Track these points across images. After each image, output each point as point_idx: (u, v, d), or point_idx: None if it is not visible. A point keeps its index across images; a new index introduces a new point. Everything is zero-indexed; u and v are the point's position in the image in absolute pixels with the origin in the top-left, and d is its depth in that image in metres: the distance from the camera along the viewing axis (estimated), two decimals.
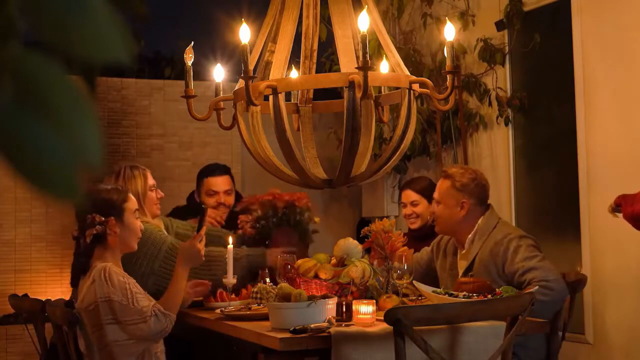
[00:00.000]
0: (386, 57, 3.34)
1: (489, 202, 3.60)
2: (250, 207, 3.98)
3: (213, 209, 4.23)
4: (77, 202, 0.59)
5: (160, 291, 3.13)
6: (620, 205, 3.35)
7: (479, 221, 3.47)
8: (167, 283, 3.09)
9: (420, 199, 4.31)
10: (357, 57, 2.97)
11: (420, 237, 4.22)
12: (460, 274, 3.46)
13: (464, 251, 3.53)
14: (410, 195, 4.34)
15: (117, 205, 2.94)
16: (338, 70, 3.25)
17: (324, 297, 2.86)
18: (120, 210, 2.94)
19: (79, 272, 2.92)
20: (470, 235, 3.48)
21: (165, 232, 3.62)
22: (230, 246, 3.47)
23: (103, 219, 2.88)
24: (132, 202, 3.00)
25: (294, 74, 3.46)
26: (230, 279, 3.40)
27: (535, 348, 3.33)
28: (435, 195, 3.59)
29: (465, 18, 5.29)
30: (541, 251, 3.37)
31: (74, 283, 2.96)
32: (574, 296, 3.39)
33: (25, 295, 3.66)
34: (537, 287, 3.11)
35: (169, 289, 3.01)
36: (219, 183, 4.38)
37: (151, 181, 3.64)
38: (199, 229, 3.16)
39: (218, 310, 3.23)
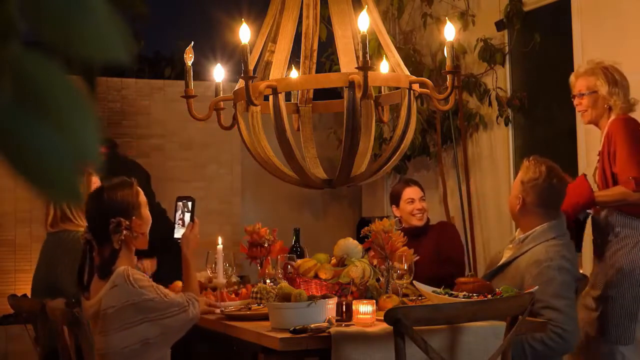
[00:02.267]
0: (386, 57, 3.34)
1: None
2: None
3: None
4: (79, 202, 0.59)
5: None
6: None
7: (539, 227, 3.33)
8: None
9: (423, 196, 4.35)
10: (357, 57, 2.97)
11: (415, 234, 4.22)
12: (501, 262, 3.41)
13: (510, 245, 3.46)
14: (419, 191, 4.35)
15: (134, 203, 2.89)
16: (338, 70, 3.26)
17: (324, 297, 2.85)
18: (137, 206, 2.90)
19: (95, 275, 2.88)
20: (522, 235, 3.38)
21: None
22: (220, 246, 3.49)
23: (128, 222, 2.84)
24: (142, 193, 2.98)
25: (294, 74, 3.46)
26: (220, 279, 3.42)
27: None
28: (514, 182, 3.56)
29: (465, 18, 5.29)
30: (575, 291, 3.25)
31: (86, 286, 2.91)
32: (577, 297, 3.37)
33: (25, 295, 3.66)
34: (550, 331, 3.07)
35: (187, 277, 3.01)
36: None
37: (97, 184, 3.61)
38: (192, 218, 3.17)
39: (218, 310, 3.23)
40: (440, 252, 4.21)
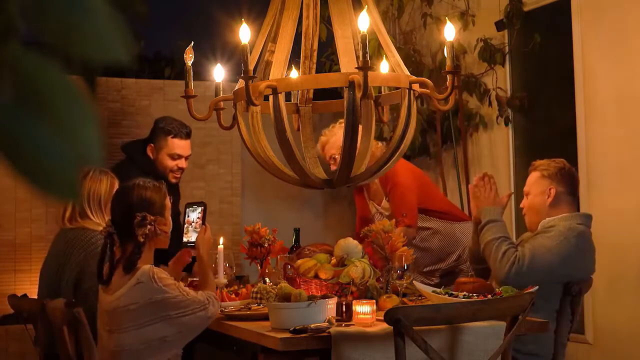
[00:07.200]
0: (386, 57, 3.34)
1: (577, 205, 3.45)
2: None
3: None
4: (78, 202, 0.59)
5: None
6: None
7: (568, 214, 3.34)
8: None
9: None
10: (357, 57, 2.97)
11: None
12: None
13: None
14: None
15: (160, 203, 2.98)
16: (338, 70, 3.25)
17: (324, 297, 2.86)
18: (162, 208, 2.99)
19: (118, 270, 2.90)
20: (550, 218, 3.37)
21: None
22: (221, 246, 3.49)
23: (153, 217, 2.91)
24: (168, 200, 3.07)
25: (294, 74, 3.46)
26: (221, 279, 3.42)
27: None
28: (525, 188, 3.51)
29: (465, 18, 5.29)
30: (561, 249, 3.22)
31: (105, 280, 2.95)
32: (580, 298, 3.34)
33: (25, 295, 3.66)
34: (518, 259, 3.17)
35: (204, 276, 3.10)
36: (185, 147, 4.39)
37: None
38: (204, 221, 3.39)
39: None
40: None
